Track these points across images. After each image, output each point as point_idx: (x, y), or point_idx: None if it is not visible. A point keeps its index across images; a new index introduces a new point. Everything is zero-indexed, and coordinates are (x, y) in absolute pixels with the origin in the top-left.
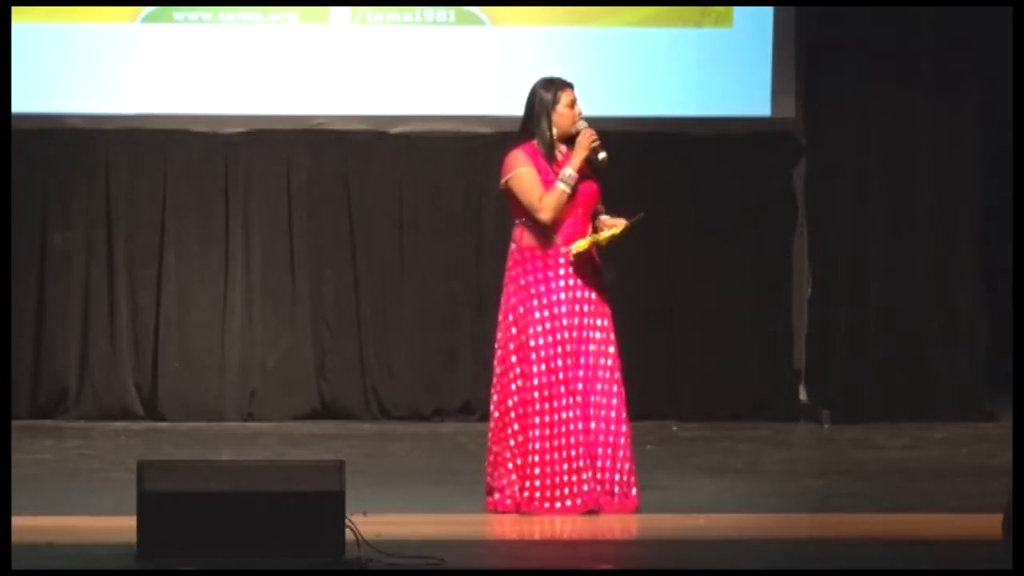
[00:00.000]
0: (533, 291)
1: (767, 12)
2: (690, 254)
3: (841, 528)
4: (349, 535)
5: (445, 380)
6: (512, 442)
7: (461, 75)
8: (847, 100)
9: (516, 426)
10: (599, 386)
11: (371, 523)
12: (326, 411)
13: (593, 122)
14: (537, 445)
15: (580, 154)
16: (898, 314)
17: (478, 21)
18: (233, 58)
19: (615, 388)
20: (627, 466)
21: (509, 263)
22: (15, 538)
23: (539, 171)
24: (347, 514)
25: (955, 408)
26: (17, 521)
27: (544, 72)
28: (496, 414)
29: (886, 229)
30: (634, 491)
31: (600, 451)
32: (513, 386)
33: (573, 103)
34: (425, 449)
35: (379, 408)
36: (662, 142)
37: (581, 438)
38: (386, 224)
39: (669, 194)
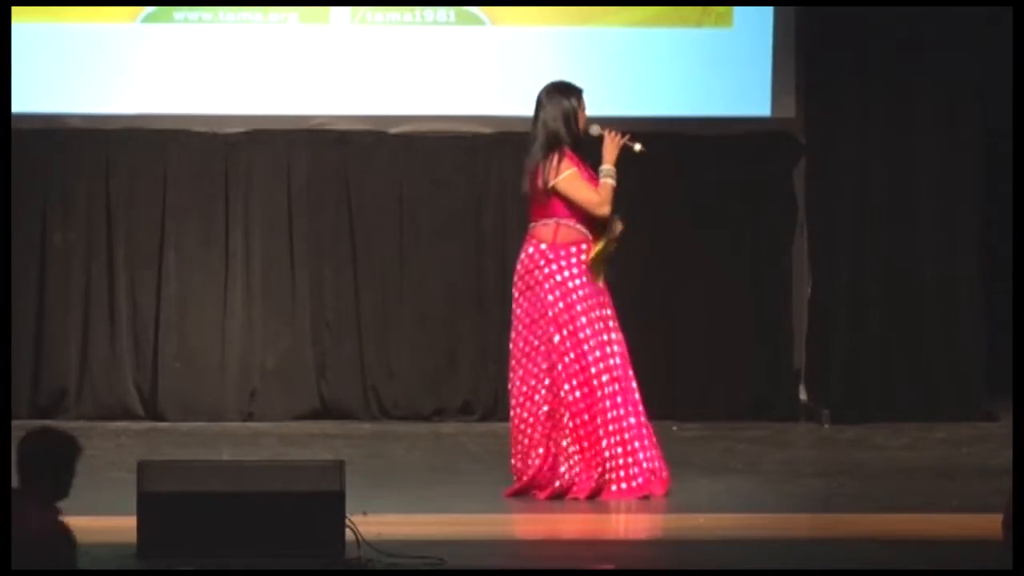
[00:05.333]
0: (571, 285)
1: (767, 12)
2: (690, 254)
3: (841, 528)
4: (349, 535)
5: (445, 380)
6: (583, 431)
7: (461, 75)
8: (847, 100)
9: (586, 416)
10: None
11: (371, 523)
12: (326, 411)
13: (593, 122)
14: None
15: (614, 151)
16: (898, 314)
17: (478, 21)
18: (233, 58)
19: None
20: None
21: (539, 261)
22: None
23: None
24: (347, 514)
25: (955, 408)
26: None
27: (544, 72)
28: (546, 408)
29: (886, 229)
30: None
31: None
32: (574, 381)
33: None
34: (425, 449)
35: (379, 408)
36: (662, 142)
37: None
38: (386, 224)
39: (669, 194)
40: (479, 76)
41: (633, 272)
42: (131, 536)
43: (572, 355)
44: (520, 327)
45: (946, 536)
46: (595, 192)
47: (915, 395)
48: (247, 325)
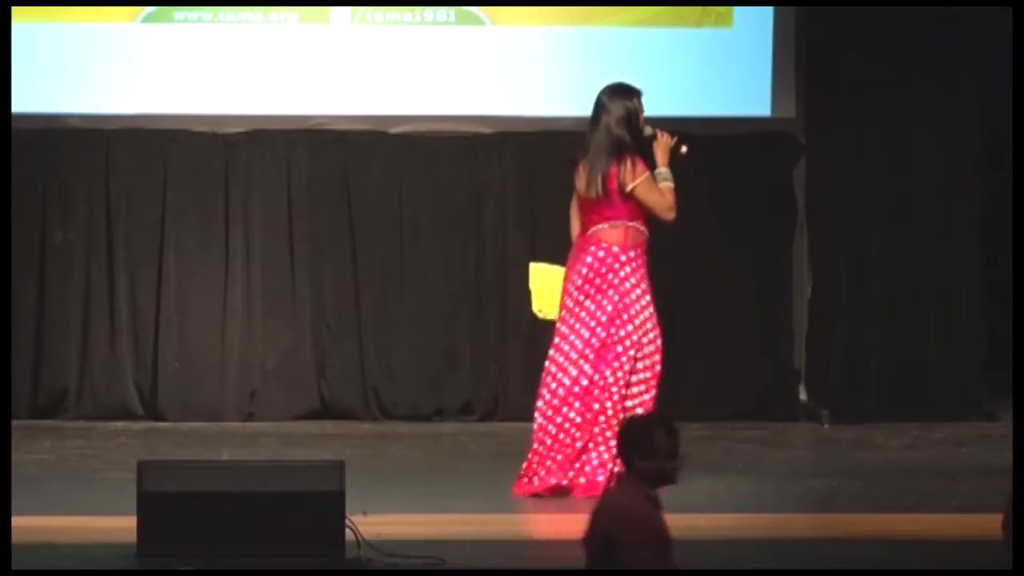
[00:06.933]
0: (643, 288)
1: (767, 12)
2: (690, 254)
3: (841, 528)
4: (349, 535)
5: (445, 380)
6: None
7: (461, 75)
8: (847, 100)
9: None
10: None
11: (371, 523)
12: (326, 411)
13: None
14: None
15: (666, 153)
16: (898, 314)
17: (478, 21)
18: (233, 58)
19: None
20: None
21: (612, 264)
22: (15, 538)
23: None
24: (347, 514)
25: (955, 408)
26: (17, 521)
27: (544, 72)
28: (596, 407)
29: (886, 228)
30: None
31: None
32: (646, 374)
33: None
34: (425, 449)
35: (379, 408)
36: None
37: None
38: (386, 224)
39: None
40: (479, 76)
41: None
42: (131, 536)
43: (643, 352)
44: (581, 328)
45: (946, 536)
46: (665, 197)
47: (915, 395)
48: (247, 325)
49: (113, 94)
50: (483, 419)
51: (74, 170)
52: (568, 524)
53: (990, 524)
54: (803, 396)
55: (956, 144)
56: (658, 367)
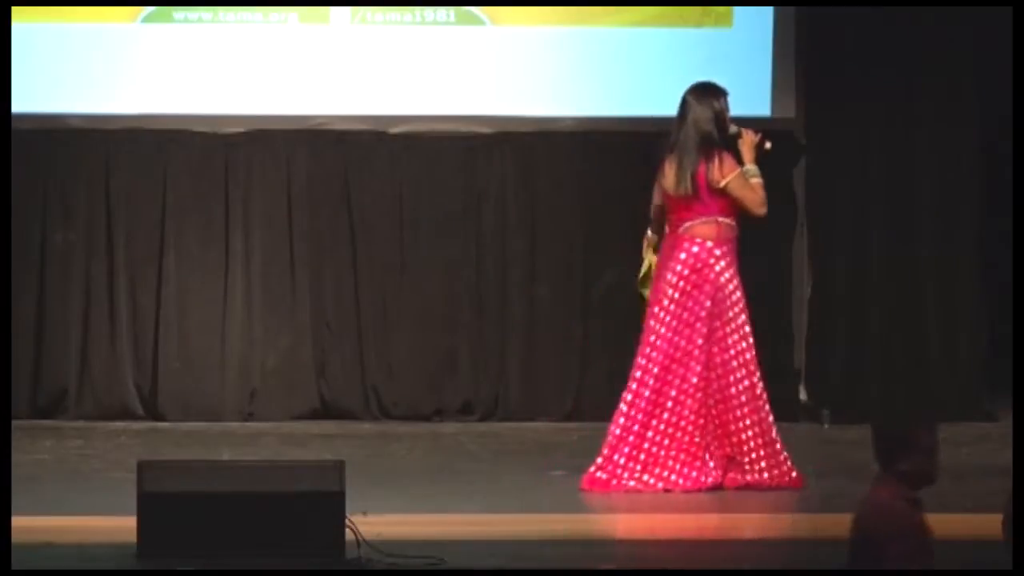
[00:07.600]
0: (737, 281)
1: (767, 12)
2: None
3: (841, 528)
4: (349, 535)
5: (445, 380)
6: (759, 416)
7: (461, 75)
8: (847, 100)
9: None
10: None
11: (371, 523)
12: (326, 411)
13: (593, 122)
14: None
15: (752, 150)
16: (898, 314)
17: (478, 21)
18: (233, 58)
19: None
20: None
21: (708, 260)
22: (15, 538)
23: None
24: (347, 514)
25: (955, 408)
26: (17, 521)
27: (544, 72)
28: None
29: (886, 229)
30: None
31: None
32: (751, 366)
33: None
34: (425, 449)
35: (379, 408)
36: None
37: None
38: (386, 224)
39: None
40: (479, 76)
41: (634, 271)
42: (131, 536)
43: (746, 343)
44: (680, 326)
45: (946, 536)
46: (757, 193)
47: (915, 395)
48: (247, 325)
49: (113, 94)
50: (483, 419)
51: (74, 170)
52: (567, 524)
53: (990, 524)
54: (803, 396)
55: (956, 144)
56: (753, 355)
